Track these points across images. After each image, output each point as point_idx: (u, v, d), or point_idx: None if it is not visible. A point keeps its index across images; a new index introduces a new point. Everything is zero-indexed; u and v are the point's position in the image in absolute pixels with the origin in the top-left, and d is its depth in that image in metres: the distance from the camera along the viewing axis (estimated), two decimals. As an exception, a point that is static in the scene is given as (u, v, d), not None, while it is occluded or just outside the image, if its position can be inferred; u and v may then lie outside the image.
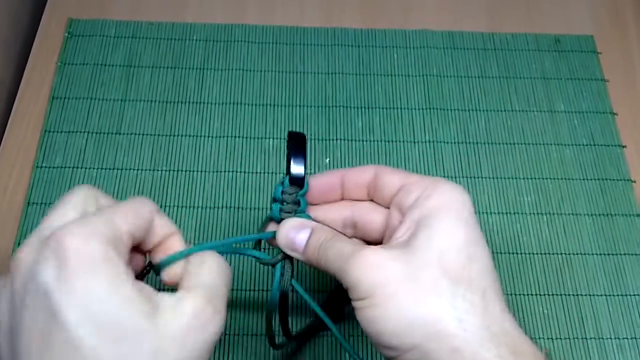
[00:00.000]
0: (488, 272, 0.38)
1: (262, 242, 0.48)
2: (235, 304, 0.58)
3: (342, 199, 0.46)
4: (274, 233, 0.44)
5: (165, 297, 0.36)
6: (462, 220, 0.39)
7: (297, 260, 0.44)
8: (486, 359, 0.35)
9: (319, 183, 0.46)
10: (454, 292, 0.36)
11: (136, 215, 0.38)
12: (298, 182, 0.44)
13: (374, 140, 0.67)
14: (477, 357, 0.35)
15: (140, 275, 0.44)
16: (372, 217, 0.45)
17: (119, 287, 0.34)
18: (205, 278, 0.39)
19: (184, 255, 0.40)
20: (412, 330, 0.36)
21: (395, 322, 0.36)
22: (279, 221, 0.44)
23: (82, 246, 0.33)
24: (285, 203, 0.44)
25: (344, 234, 0.44)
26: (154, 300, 0.36)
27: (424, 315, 0.36)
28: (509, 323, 0.37)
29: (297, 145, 0.45)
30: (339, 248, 0.40)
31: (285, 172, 0.45)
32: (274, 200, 0.45)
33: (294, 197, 0.44)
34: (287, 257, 0.44)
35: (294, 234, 0.43)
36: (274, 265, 0.44)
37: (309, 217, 0.45)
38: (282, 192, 0.44)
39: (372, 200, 0.45)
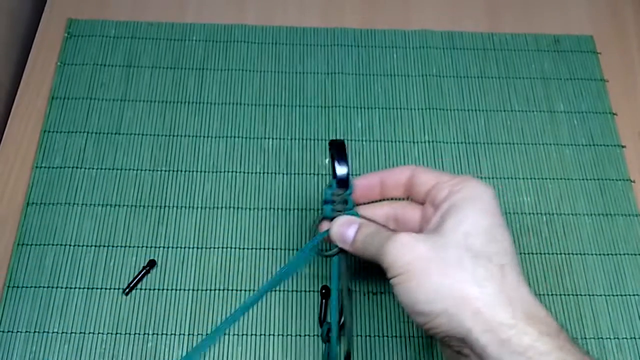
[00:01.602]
0: (507, 252, 0.43)
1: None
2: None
3: (382, 199, 0.53)
4: (328, 231, 0.50)
5: None
6: (486, 210, 0.45)
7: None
8: (503, 319, 0.40)
9: (361, 184, 0.52)
10: (475, 264, 0.42)
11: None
12: (344, 183, 0.50)
13: (373, 141, 0.67)
14: (495, 318, 0.40)
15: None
16: (411, 212, 0.51)
17: None
18: None
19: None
20: (440, 297, 0.41)
21: (426, 291, 0.42)
22: (331, 219, 0.50)
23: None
24: (335, 203, 0.50)
25: (386, 227, 0.50)
26: None
27: (450, 284, 0.41)
28: (525, 292, 0.42)
29: (339, 152, 0.50)
30: (379, 236, 0.46)
31: (332, 176, 0.50)
32: (325, 202, 0.50)
33: (342, 197, 0.50)
34: (342, 250, 0.49)
35: (344, 229, 0.48)
36: (331, 257, 0.50)
37: (357, 214, 0.50)
38: (332, 194, 0.50)
39: (408, 198, 0.52)
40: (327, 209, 0.50)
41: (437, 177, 0.49)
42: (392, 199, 0.53)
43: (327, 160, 0.66)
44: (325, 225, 0.51)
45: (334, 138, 0.52)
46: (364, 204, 0.53)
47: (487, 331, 0.40)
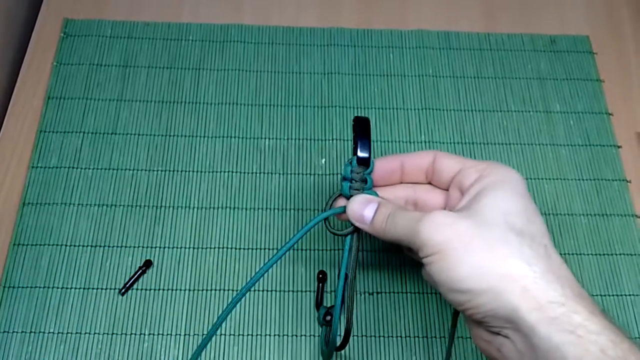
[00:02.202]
0: (546, 233, 0.43)
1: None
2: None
3: (401, 183, 0.52)
4: (344, 208, 0.49)
5: None
6: (518, 192, 0.44)
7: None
8: (553, 297, 0.39)
9: (381, 166, 0.51)
10: (521, 242, 0.41)
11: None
12: (364, 161, 0.49)
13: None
14: (545, 296, 0.39)
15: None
16: (432, 196, 0.51)
17: None
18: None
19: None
20: (484, 274, 0.40)
21: (468, 268, 0.41)
22: (348, 197, 0.49)
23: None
24: (354, 181, 0.49)
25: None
26: None
27: (495, 260, 0.40)
28: (569, 272, 0.42)
29: (362, 129, 0.50)
30: (406, 215, 0.45)
31: (352, 153, 0.49)
32: (344, 179, 0.50)
33: (362, 176, 0.49)
34: (356, 229, 0.49)
35: (362, 208, 0.48)
36: (345, 236, 0.50)
37: (376, 194, 0.49)
38: (351, 172, 0.49)
39: (429, 184, 0.51)
40: (345, 186, 0.50)
41: (461, 163, 0.48)
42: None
43: (323, 160, 0.66)
44: (341, 203, 0.50)
45: (357, 115, 0.52)
46: (382, 186, 0.52)
47: (536, 309, 0.39)
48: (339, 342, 0.52)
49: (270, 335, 0.57)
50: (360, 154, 0.49)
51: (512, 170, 0.46)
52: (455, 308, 0.43)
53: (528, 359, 0.40)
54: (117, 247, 0.60)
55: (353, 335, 0.57)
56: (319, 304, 0.58)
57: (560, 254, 0.61)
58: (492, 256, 0.41)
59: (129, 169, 0.65)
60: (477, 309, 0.41)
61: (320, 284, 0.59)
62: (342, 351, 0.56)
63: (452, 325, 0.51)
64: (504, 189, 0.44)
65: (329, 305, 0.58)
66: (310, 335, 0.57)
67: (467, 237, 0.41)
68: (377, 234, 0.47)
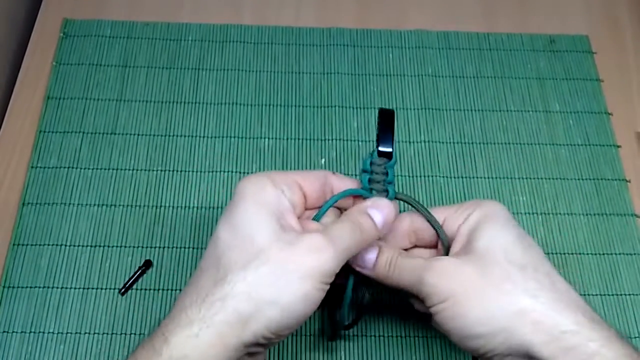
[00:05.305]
0: (545, 259, 0.44)
1: None
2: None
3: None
4: (351, 190, 0.47)
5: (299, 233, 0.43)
6: (508, 223, 0.45)
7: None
8: (565, 325, 0.39)
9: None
10: (524, 276, 0.41)
11: (310, 173, 0.47)
12: (386, 155, 0.48)
13: (369, 140, 0.67)
14: (557, 326, 0.39)
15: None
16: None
17: (259, 210, 0.42)
18: (334, 229, 0.43)
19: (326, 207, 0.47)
20: (495, 316, 0.41)
21: (478, 313, 0.41)
22: (368, 190, 0.47)
23: (249, 184, 0.44)
24: (374, 173, 0.48)
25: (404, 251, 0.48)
26: (288, 232, 0.42)
27: (503, 299, 0.41)
28: (576, 296, 0.42)
29: (386, 121, 0.49)
30: (411, 263, 0.45)
31: (375, 145, 0.48)
32: (363, 171, 0.48)
33: (383, 169, 0.48)
34: (353, 274, 0.48)
35: (363, 251, 0.46)
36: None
37: (394, 191, 0.48)
38: (371, 164, 0.48)
39: (415, 246, 0.50)
40: (364, 179, 0.48)
41: (441, 214, 0.47)
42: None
43: (322, 160, 0.66)
44: (347, 202, 0.48)
45: (382, 107, 0.50)
46: None
47: (550, 342, 0.39)
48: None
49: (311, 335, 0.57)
50: (382, 148, 0.48)
51: (496, 203, 0.46)
52: (472, 354, 0.43)
53: None
54: (117, 247, 0.60)
55: (353, 335, 0.57)
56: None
57: (560, 253, 0.62)
58: (499, 296, 0.41)
59: (129, 169, 0.65)
60: (493, 351, 0.41)
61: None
62: (342, 351, 0.56)
63: None
64: (495, 223, 0.44)
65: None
66: (310, 335, 0.57)
67: (473, 282, 0.42)
68: (380, 280, 0.46)
